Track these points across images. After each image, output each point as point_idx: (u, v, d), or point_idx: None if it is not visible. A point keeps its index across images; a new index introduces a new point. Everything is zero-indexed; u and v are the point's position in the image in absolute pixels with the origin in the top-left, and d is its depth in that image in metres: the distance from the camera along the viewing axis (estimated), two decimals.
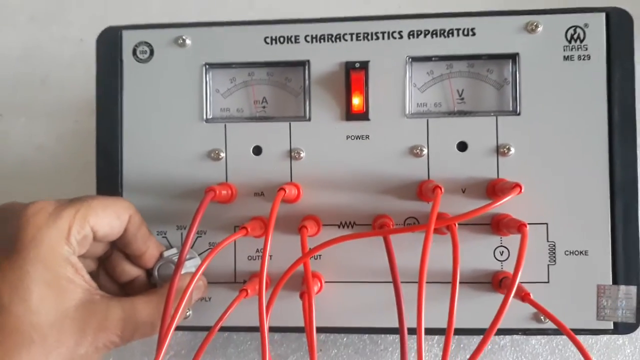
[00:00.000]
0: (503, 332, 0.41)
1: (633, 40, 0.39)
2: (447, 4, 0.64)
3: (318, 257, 0.40)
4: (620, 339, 0.48)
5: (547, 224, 0.39)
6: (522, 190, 0.34)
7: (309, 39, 0.41)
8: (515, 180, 0.38)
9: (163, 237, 0.41)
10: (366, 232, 0.38)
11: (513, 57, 0.40)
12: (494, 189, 0.39)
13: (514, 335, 0.48)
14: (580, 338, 0.46)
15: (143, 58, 0.42)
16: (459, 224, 0.38)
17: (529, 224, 0.36)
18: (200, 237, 0.40)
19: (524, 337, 0.48)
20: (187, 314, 0.40)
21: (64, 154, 0.64)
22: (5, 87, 0.66)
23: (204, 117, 0.41)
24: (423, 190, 0.39)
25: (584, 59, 0.39)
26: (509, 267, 0.39)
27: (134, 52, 0.42)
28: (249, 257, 0.40)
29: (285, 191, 0.35)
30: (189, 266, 0.37)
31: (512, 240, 0.39)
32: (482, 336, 0.31)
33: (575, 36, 0.39)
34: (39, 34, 0.64)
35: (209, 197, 0.35)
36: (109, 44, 0.42)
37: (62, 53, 0.64)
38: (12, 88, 0.66)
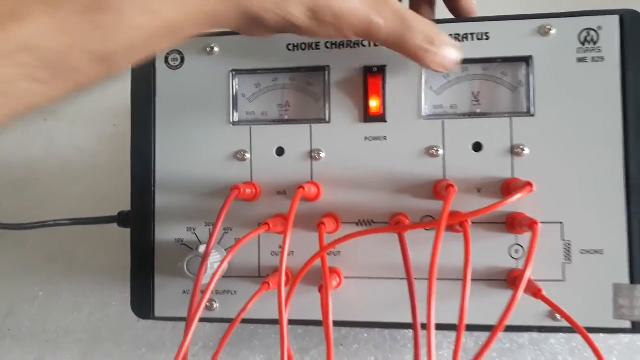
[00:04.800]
0: (518, 329, 0.42)
1: None
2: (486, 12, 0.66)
3: (337, 253, 0.42)
4: None
5: (562, 222, 0.40)
6: (534, 189, 0.35)
7: (329, 45, 0.43)
8: (530, 179, 0.39)
9: (192, 233, 0.43)
10: (381, 228, 0.39)
11: (527, 60, 0.41)
12: (509, 188, 0.40)
13: (533, 334, 0.49)
14: (601, 338, 0.47)
15: (174, 65, 0.44)
16: (474, 223, 0.39)
17: (543, 222, 0.37)
18: (227, 233, 0.43)
19: (543, 336, 0.49)
20: (215, 306, 0.43)
21: (103, 155, 0.68)
22: None
23: (231, 120, 0.44)
24: (438, 189, 0.40)
25: (597, 61, 0.40)
26: (524, 265, 0.40)
27: (166, 60, 0.45)
28: (272, 253, 0.42)
29: (304, 189, 0.38)
30: (215, 261, 0.40)
31: (527, 239, 0.40)
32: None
33: (589, 38, 0.40)
34: None
35: (234, 195, 0.38)
36: None
37: None
38: None
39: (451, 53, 0.37)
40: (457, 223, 0.34)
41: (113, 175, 0.64)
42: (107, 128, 0.69)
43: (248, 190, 0.40)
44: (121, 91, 0.55)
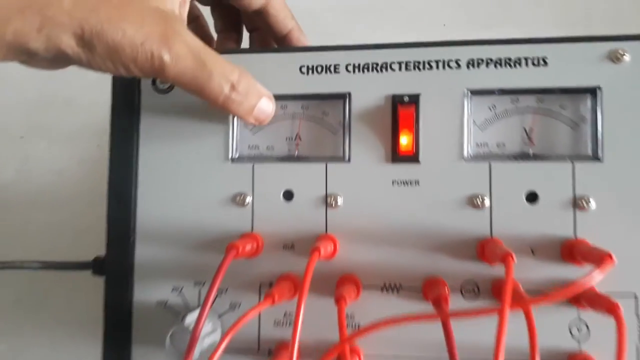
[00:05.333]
0: None
1: None
2: (500, 23, 0.60)
3: (356, 326, 0.34)
4: None
5: (635, 294, 0.32)
6: (614, 262, 0.28)
7: (350, 68, 0.35)
8: (596, 239, 0.32)
9: (179, 294, 0.35)
10: (420, 314, 0.31)
11: (593, 91, 0.33)
12: (572, 252, 0.32)
13: None
14: None
15: (163, 88, 0.37)
16: (527, 289, 0.31)
17: (610, 292, 0.29)
18: (220, 296, 0.35)
19: None
20: None
21: (84, 180, 0.61)
22: (29, 107, 0.63)
23: (229, 155, 0.36)
24: (486, 251, 0.32)
25: None
26: (588, 348, 0.32)
27: (153, 81, 0.37)
28: (275, 322, 0.35)
29: (320, 252, 0.30)
30: (206, 333, 0.32)
31: (593, 314, 0.32)
32: None
33: None
34: None
35: (230, 257, 0.30)
36: None
37: (88, 74, 0.61)
38: (35, 109, 0.64)
39: (262, 103, 0.33)
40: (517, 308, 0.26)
41: (95, 204, 0.55)
42: (89, 149, 0.61)
43: (248, 247, 0.33)
44: (108, 108, 0.47)
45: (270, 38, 0.42)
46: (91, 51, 0.28)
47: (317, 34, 0.61)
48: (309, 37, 0.63)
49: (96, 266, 0.41)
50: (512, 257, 0.28)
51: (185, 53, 0.29)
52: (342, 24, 0.63)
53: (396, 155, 0.34)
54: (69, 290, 0.51)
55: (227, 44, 0.43)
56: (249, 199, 0.35)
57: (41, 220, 0.59)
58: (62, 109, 0.63)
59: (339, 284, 0.33)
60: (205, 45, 0.31)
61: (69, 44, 0.27)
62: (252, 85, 0.32)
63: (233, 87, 0.31)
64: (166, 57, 0.29)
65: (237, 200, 0.35)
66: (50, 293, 0.51)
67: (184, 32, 0.30)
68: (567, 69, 0.34)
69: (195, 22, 0.43)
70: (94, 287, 0.46)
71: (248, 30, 0.44)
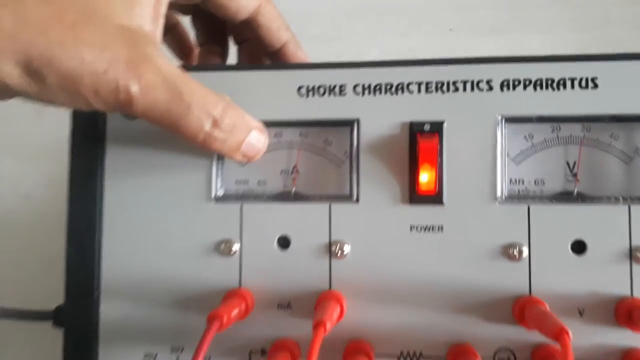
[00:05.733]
0: None
1: None
2: (511, 27, 0.54)
3: None
4: None
5: None
6: None
7: (359, 89, 0.29)
8: None
9: None
10: None
11: None
12: (629, 315, 0.26)
13: None
14: None
15: None
16: None
17: None
18: None
19: None
20: None
21: (52, 203, 0.54)
22: None
23: (213, 194, 0.30)
24: (526, 313, 0.26)
25: None
26: None
27: None
28: None
29: (325, 328, 0.24)
30: None
31: None
32: None
33: None
34: None
35: (212, 332, 0.24)
36: None
37: None
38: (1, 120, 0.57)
39: (251, 137, 0.27)
40: None
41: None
42: (58, 169, 0.54)
43: (235, 312, 0.27)
44: None
45: (262, 52, 0.35)
46: (41, 82, 0.22)
47: (313, 39, 0.55)
48: (304, 42, 0.57)
49: (57, 317, 0.35)
50: (567, 334, 0.22)
51: (157, 82, 0.23)
52: (341, 28, 0.58)
53: (415, 195, 0.29)
54: (29, 339, 0.44)
55: (210, 59, 0.37)
56: (236, 247, 0.29)
57: (2, 248, 0.53)
58: (31, 120, 0.57)
59: (346, 355, 0.27)
60: (183, 72, 0.25)
61: (10, 73, 0.22)
62: (239, 118, 0.26)
63: (215, 123, 0.25)
64: (134, 88, 0.23)
65: (222, 248, 0.29)
66: (10, 342, 0.45)
67: (155, 56, 0.24)
68: (620, 91, 0.28)
69: (172, 32, 0.37)
70: (57, 338, 0.40)
71: (235, 43, 0.37)
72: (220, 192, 0.30)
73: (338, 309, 0.27)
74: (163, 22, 0.26)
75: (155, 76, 0.23)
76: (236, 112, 0.26)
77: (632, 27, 0.56)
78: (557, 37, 0.54)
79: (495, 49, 0.55)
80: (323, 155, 0.31)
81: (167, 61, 0.24)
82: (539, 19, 0.55)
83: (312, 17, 0.57)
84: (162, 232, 0.30)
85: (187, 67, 0.31)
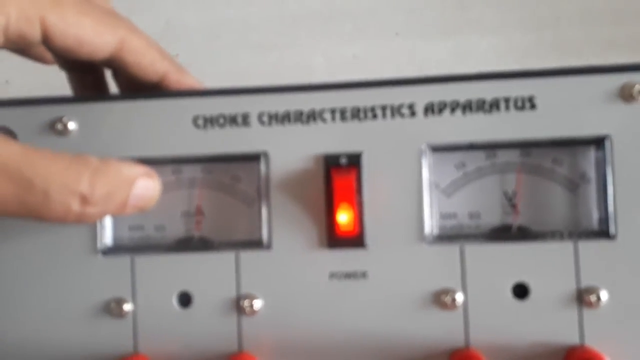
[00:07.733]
0: None
1: None
2: (461, 30, 0.51)
3: None
4: None
5: None
6: None
7: (264, 118, 0.25)
8: (610, 347, 0.23)
9: None
10: None
11: (598, 142, 0.24)
12: None
13: None
14: None
15: None
16: None
17: None
18: None
19: None
20: None
21: None
22: None
23: (99, 244, 0.26)
24: None
25: None
26: None
27: None
28: None
29: None
30: None
31: None
32: None
33: None
34: None
35: None
36: None
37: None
38: None
39: (137, 189, 0.23)
40: None
41: None
42: None
43: None
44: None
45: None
46: None
47: (254, 47, 0.51)
48: (241, 51, 0.53)
49: None
50: None
51: None
52: (283, 34, 0.54)
53: (334, 238, 0.25)
54: None
55: (84, 90, 0.30)
56: (128, 307, 0.25)
57: None
58: None
59: None
60: (27, 151, 0.20)
61: None
62: (114, 179, 0.22)
63: (85, 200, 0.20)
64: None
65: (112, 308, 0.25)
66: None
67: None
68: (561, 112, 0.24)
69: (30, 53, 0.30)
70: None
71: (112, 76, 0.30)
72: (109, 243, 0.26)
73: None
74: None
75: None
76: (107, 176, 0.21)
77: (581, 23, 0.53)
78: (506, 38, 0.51)
79: (444, 52, 0.52)
80: (231, 194, 0.27)
81: (4, 142, 0.20)
82: (488, 18, 0.52)
83: (250, 23, 0.53)
84: (42, 293, 0.26)
85: (64, 99, 0.26)
